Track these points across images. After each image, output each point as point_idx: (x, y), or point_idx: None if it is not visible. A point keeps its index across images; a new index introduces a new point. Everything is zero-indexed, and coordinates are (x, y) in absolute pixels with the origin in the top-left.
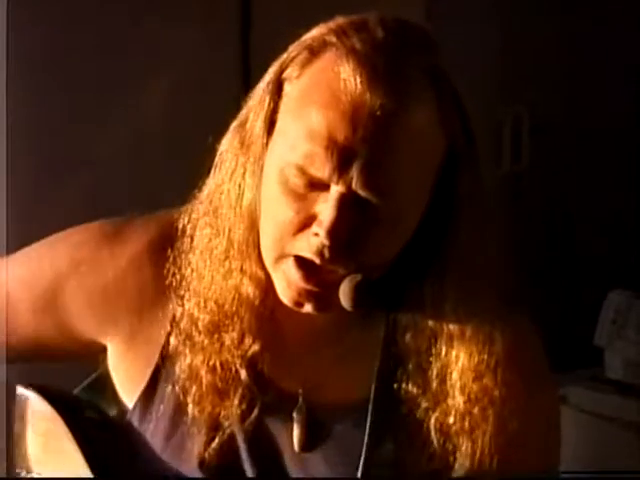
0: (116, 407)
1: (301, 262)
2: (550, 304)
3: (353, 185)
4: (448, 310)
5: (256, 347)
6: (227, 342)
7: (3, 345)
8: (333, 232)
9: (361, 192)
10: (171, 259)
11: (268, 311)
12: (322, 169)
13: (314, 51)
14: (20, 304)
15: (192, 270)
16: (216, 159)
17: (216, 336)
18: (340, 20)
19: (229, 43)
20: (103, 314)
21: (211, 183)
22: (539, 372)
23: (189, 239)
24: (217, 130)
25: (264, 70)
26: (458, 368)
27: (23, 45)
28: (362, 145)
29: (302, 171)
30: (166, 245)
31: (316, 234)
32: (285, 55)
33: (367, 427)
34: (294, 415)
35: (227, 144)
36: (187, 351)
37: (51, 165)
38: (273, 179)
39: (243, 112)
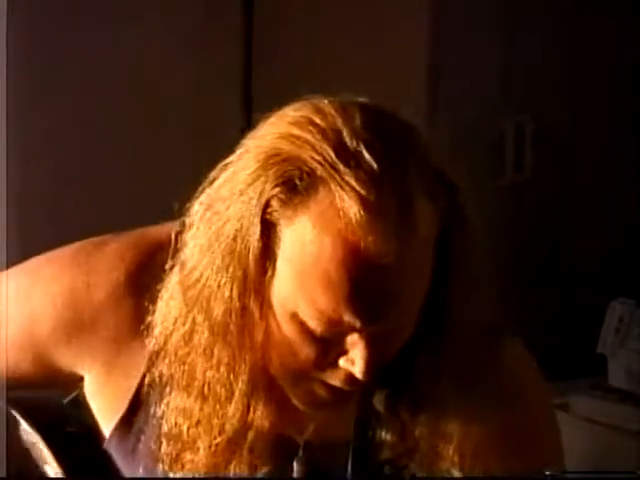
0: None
1: (329, 386)
2: (553, 312)
3: (382, 326)
4: (443, 381)
5: (257, 413)
6: (220, 413)
7: None
8: (367, 371)
9: (390, 327)
10: (149, 302)
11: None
12: (352, 322)
13: (299, 190)
14: (1, 340)
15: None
16: (188, 251)
17: (214, 404)
18: (309, 137)
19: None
20: (80, 347)
21: (189, 262)
22: (540, 443)
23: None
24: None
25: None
26: (454, 440)
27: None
28: (388, 291)
29: (325, 322)
30: (143, 272)
31: (347, 370)
32: (256, 185)
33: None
34: (294, 466)
35: (208, 260)
36: (172, 409)
37: None
38: (284, 322)
39: (221, 219)
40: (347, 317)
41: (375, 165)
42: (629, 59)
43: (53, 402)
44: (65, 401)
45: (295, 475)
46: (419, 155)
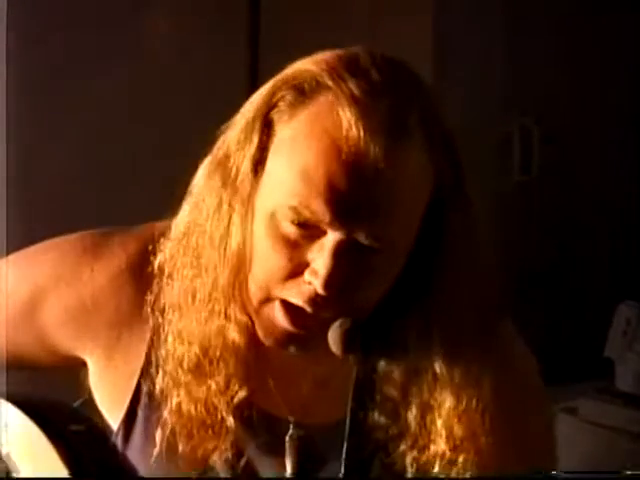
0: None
1: (288, 306)
2: (560, 315)
3: (355, 233)
4: (434, 351)
5: (243, 393)
6: (213, 387)
7: None
8: (329, 282)
9: (363, 240)
10: (150, 290)
11: (253, 355)
12: (321, 215)
13: (305, 93)
14: (1, 316)
15: (173, 310)
16: (192, 196)
17: (202, 379)
18: (328, 56)
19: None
20: (81, 329)
21: (188, 219)
22: (531, 410)
23: (169, 278)
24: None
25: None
26: (443, 413)
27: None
28: (364, 196)
29: (298, 214)
30: (145, 263)
31: (309, 282)
32: (269, 90)
33: (344, 450)
34: (287, 442)
35: (204, 180)
36: (172, 390)
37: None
38: (263, 223)
39: (220, 146)
40: (317, 207)
41: (380, 79)
42: (632, 60)
43: (59, 402)
44: (76, 404)
45: (287, 451)
46: (428, 107)
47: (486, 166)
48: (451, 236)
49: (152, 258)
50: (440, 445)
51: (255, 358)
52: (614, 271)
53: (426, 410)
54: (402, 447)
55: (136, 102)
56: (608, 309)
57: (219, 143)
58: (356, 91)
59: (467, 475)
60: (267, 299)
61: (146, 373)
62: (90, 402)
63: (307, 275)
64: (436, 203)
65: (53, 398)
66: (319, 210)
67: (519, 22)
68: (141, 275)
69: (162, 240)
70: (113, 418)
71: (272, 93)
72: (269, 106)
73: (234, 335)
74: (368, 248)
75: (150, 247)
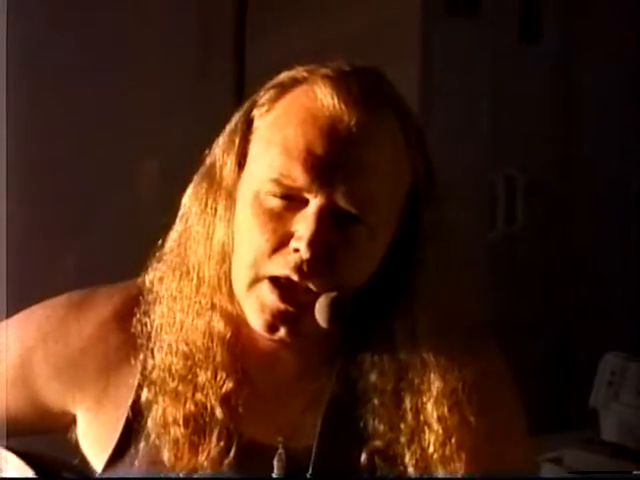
0: None
1: (276, 283)
2: (546, 364)
3: (334, 196)
4: (419, 339)
5: (230, 384)
6: (201, 381)
7: None
8: (313, 244)
9: (342, 203)
10: (138, 316)
11: (240, 348)
12: (301, 181)
13: (285, 87)
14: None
15: (161, 319)
16: (181, 210)
17: (189, 377)
18: (306, 65)
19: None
20: (70, 381)
21: (176, 232)
22: (508, 398)
23: (155, 293)
24: None
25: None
26: (433, 397)
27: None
28: (341, 158)
29: (279, 185)
30: (131, 311)
31: (296, 250)
32: (251, 98)
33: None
34: (275, 464)
35: (191, 191)
36: (160, 400)
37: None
38: (247, 205)
39: (208, 160)
40: (297, 174)
41: (350, 68)
42: (618, 110)
43: (54, 456)
44: (75, 462)
45: (275, 472)
46: (403, 108)
47: (469, 216)
48: (426, 234)
49: (142, 285)
50: (433, 427)
51: (242, 357)
52: (600, 321)
53: (417, 400)
54: (402, 440)
55: (136, 101)
56: (594, 359)
57: (206, 156)
58: (330, 73)
59: (461, 454)
60: (255, 280)
61: (136, 410)
62: (83, 461)
63: (293, 242)
64: (413, 200)
65: (48, 454)
66: (299, 176)
67: (505, 72)
68: (128, 323)
69: (150, 269)
70: (99, 460)
71: (253, 99)
72: (251, 108)
73: (220, 325)
74: (349, 216)
75: (135, 293)
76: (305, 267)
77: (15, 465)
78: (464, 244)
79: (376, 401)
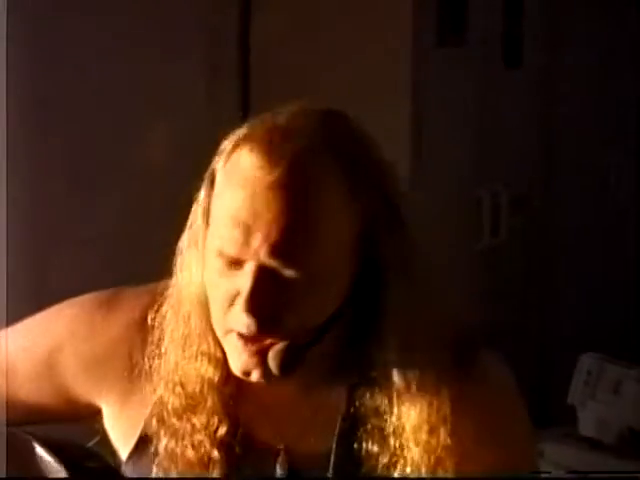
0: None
1: (240, 335)
2: (528, 366)
3: (262, 259)
4: (393, 368)
5: (223, 429)
6: (197, 425)
7: (4, 409)
8: (252, 305)
9: (272, 264)
10: (150, 343)
11: (232, 389)
12: (233, 250)
13: (237, 143)
14: (20, 372)
15: (161, 357)
16: (176, 254)
17: (185, 418)
18: (269, 115)
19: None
20: (96, 377)
21: (175, 277)
22: (506, 409)
23: (159, 330)
24: None
25: None
26: (410, 422)
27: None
28: (260, 219)
29: (221, 254)
30: (157, 315)
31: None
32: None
33: None
34: (277, 469)
35: (185, 237)
36: (162, 433)
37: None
38: (209, 260)
39: (194, 206)
40: (229, 243)
41: (282, 121)
42: (602, 125)
43: (75, 442)
44: (89, 445)
45: (278, 476)
46: (353, 150)
47: (456, 229)
48: (390, 262)
49: (153, 316)
50: (412, 449)
51: (239, 392)
52: (577, 325)
53: (398, 424)
54: (384, 461)
55: (136, 100)
56: (572, 360)
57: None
58: (260, 131)
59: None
60: (226, 331)
61: (152, 413)
62: (101, 443)
63: (237, 302)
64: (370, 236)
65: (69, 439)
66: (231, 245)
67: (489, 89)
68: (152, 325)
69: (162, 300)
70: (124, 451)
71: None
72: (212, 171)
73: (209, 370)
74: (283, 273)
75: (159, 301)
76: (251, 325)
77: (42, 455)
78: (436, 260)
79: (369, 424)
